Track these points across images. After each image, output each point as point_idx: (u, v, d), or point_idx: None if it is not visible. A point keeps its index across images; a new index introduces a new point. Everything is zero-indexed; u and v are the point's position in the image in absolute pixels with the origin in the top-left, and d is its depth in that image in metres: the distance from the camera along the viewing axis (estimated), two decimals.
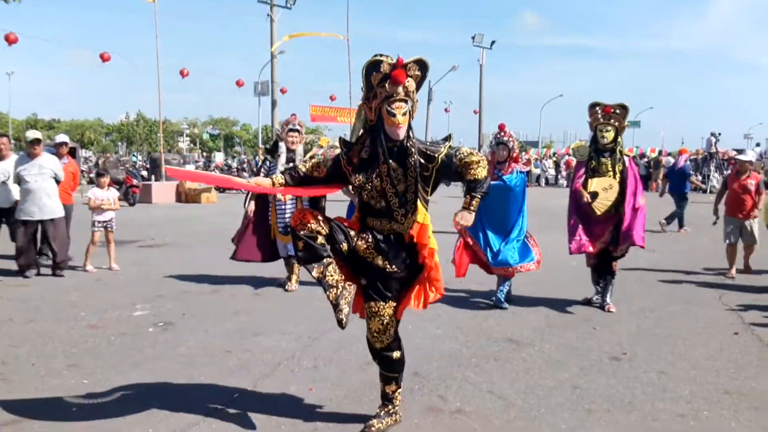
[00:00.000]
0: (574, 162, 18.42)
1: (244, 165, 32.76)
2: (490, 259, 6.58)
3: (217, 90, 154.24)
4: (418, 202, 3.57)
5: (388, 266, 3.62)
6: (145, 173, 25.68)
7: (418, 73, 3.49)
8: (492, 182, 6.64)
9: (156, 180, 22.60)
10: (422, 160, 3.51)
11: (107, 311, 6.38)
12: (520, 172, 6.65)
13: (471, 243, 6.63)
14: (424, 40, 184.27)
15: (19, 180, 7.99)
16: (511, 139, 6.75)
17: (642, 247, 6.69)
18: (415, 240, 3.63)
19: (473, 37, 41.65)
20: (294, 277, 7.48)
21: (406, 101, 3.45)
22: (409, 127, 3.51)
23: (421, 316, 6.28)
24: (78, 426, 3.69)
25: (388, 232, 3.60)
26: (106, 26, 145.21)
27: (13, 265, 8.31)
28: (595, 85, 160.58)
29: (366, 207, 3.61)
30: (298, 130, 7.53)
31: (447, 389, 4.37)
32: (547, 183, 36.91)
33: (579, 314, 6.56)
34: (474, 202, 3.73)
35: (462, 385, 4.47)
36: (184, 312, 6.36)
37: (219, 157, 56.54)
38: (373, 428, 3.68)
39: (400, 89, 3.41)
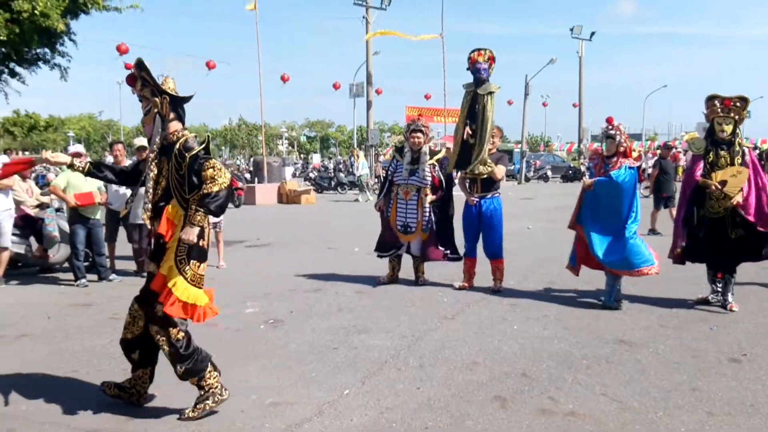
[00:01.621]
0: (681, 155, 17.36)
1: (340, 166, 33.30)
2: (600, 257, 6.37)
3: (313, 93, 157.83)
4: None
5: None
6: (248, 176, 26.62)
7: (143, 74, 3.79)
8: (599, 179, 6.50)
9: (259, 182, 23.39)
10: (179, 158, 3.74)
11: (220, 309, 6.63)
12: (630, 167, 6.39)
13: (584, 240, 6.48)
14: (520, 33, 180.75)
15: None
16: (619, 132, 6.50)
17: None
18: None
19: (572, 29, 40.52)
20: (421, 274, 7.68)
21: (146, 102, 3.81)
22: (163, 122, 3.80)
23: (526, 315, 6.19)
24: (199, 421, 3.86)
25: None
26: (210, 35, 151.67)
27: (131, 266, 8.84)
28: (700, 73, 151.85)
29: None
30: (421, 131, 7.57)
31: (558, 391, 4.26)
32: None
33: (693, 314, 6.24)
34: (197, 216, 3.72)
35: (573, 387, 4.34)
36: (292, 310, 6.54)
37: (316, 159, 57.91)
38: (185, 416, 3.86)
39: (136, 93, 3.84)
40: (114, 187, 8.60)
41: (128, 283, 8.15)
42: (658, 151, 38.22)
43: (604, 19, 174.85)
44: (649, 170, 35.42)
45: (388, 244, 7.77)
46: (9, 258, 8.08)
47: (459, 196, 7.48)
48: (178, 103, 3.88)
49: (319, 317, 6.24)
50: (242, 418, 3.86)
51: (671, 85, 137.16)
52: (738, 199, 6.19)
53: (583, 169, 33.68)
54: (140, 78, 3.80)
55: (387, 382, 4.46)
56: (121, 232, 9.00)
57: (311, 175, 32.58)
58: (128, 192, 8.51)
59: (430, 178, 7.49)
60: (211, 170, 3.68)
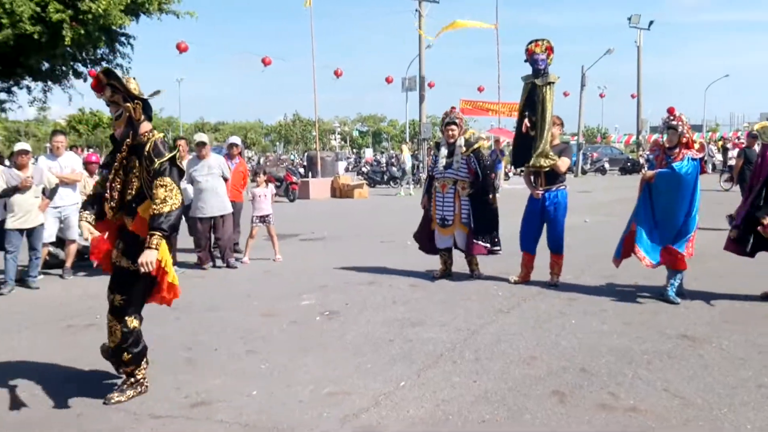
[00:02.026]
0: (745, 144, 16.68)
1: (393, 160, 33.33)
2: (645, 253, 6.23)
3: (366, 88, 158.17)
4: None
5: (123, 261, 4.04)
6: (302, 170, 26.95)
7: (112, 81, 3.95)
8: (660, 170, 6.32)
9: (313, 177, 23.65)
10: (148, 161, 3.88)
11: (277, 301, 6.78)
12: (693, 159, 6.20)
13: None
14: (575, 23, 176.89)
15: (191, 180, 8.71)
16: (681, 123, 6.30)
17: None
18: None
19: (629, 18, 39.36)
20: (475, 267, 7.66)
21: (115, 106, 3.97)
22: (132, 127, 3.95)
23: (584, 309, 6.09)
24: (257, 408, 3.96)
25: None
26: (265, 32, 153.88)
27: (192, 258, 9.08)
28: (764, 62, 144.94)
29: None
30: (455, 123, 7.54)
31: (618, 386, 4.18)
32: (714, 169, 34.15)
33: (758, 309, 6.02)
34: (154, 240, 3.79)
35: (634, 382, 4.25)
36: (347, 302, 6.61)
37: (368, 153, 58.11)
38: (112, 400, 4.03)
39: (104, 99, 3.98)
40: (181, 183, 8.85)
41: (190, 275, 8.38)
42: (720, 143, 36.97)
43: (663, 8, 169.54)
44: (715, 161, 34.43)
45: (425, 241, 7.82)
46: (77, 250, 8.42)
47: (512, 189, 7.40)
48: (148, 105, 4.07)
49: (374, 310, 6.28)
50: (300, 408, 3.93)
51: (733, 74, 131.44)
52: None
53: (642, 161, 32.80)
54: (109, 86, 3.96)
55: (443, 374, 4.46)
56: (183, 226, 9.24)
57: (363, 169, 32.74)
58: (190, 187, 8.76)
59: (466, 170, 7.43)
60: (162, 189, 3.82)
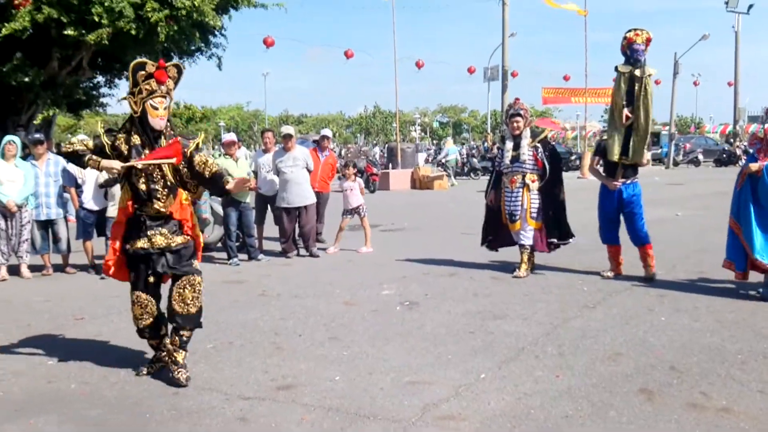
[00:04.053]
0: None
1: (474, 151, 33.00)
2: (757, 249, 5.88)
3: (447, 79, 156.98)
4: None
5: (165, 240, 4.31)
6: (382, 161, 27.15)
7: (175, 75, 4.28)
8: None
9: (393, 168, 23.77)
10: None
11: (359, 290, 6.89)
12: None
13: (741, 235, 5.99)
14: (669, 8, 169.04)
15: (277, 171, 8.96)
16: None
17: None
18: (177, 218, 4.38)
19: (727, 2, 37.28)
20: (524, 265, 7.33)
21: (165, 97, 4.22)
22: (169, 120, 4.32)
23: (674, 306, 5.87)
24: (340, 393, 4.04)
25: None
26: (347, 24, 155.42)
27: (277, 247, 9.35)
28: None
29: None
30: (520, 114, 7.37)
31: (710, 386, 4.01)
32: None
33: None
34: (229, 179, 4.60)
35: (727, 382, 4.07)
36: (427, 293, 6.63)
37: (449, 144, 57.64)
38: (182, 376, 4.23)
39: (163, 87, 4.18)
40: (263, 173, 9.14)
41: (275, 263, 8.65)
42: None
43: None
44: None
45: (490, 237, 7.73)
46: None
47: (596, 181, 7.19)
48: None
49: (455, 301, 6.28)
50: (382, 395, 3.98)
51: None
52: None
53: (739, 152, 31.08)
54: (175, 81, 4.30)
55: (525, 368, 4.41)
56: (269, 216, 9.53)
57: (444, 160, 32.59)
58: (276, 178, 9.03)
59: (533, 162, 7.25)
60: (207, 157, 4.49)
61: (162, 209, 4.29)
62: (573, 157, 31.06)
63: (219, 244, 9.38)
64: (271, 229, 9.63)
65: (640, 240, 7.00)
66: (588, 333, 5.13)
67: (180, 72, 4.34)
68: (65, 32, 13.60)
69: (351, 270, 8.10)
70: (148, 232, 4.27)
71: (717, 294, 6.28)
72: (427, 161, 30.22)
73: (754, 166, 5.98)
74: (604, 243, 7.23)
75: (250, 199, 8.96)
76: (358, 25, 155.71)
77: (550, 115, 61.89)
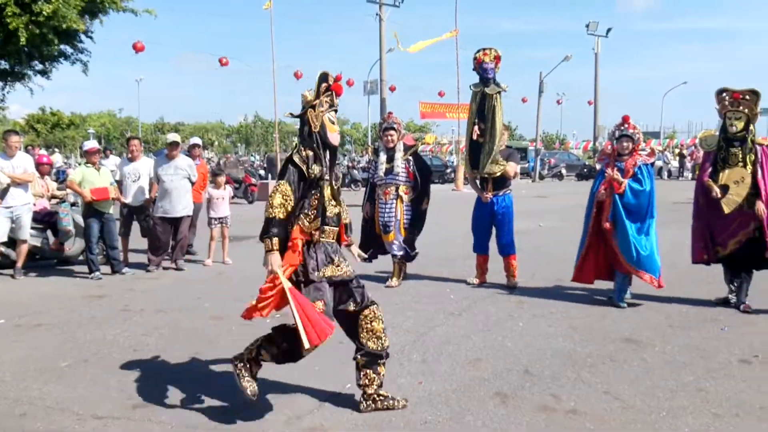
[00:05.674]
0: (701, 153, 17.32)
1: (354, 163, 33.31)
2: (628, 259, 6.32)
3: None
4: None
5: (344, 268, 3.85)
6: (262, 172, 26.73)
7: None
8: (630, 182, 6.36)
9: (272, 178, 23.47)
10: None
11: (228, 303, 6.69)
12: (645, 164, 6.38)
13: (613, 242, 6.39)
14: (533, 30, 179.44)
15: (157, 179, 8.63)
16: (636, 131, 6.47)
17: None
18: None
19: (587, 25, 40.14)
20: (396, 275, 7.52)
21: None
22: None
23: (532, 312, 6.18)
24: (200, 409, 3.91)
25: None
26: (226, 32, 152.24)
27: (143, 259, 8.93)
28: (724, 70, 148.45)
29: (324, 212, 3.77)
30: (393, 128, 7.53)
31: (560, 388, 4.25)
32: (669, 176, 35.06)
33: (705, 314, 6.17)
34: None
35: (576, 384, 4.33)
36: None
37: None
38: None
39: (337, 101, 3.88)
40: (129, 182, 8.73)
41: (140, 276, 8.26)
42: (677, 150, 37.81)
43: (622, 16, 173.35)
44: (671, 167, 35.21)
45: (367, 248, 7.69)
46: (28, 250, 8.24)
47: (470, 193, 7.46)
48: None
49: None
50: (245, 409, 3.90)
51: (693, 82, 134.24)
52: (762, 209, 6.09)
53: (598, 167, 33.40)
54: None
55: (389, 376, 4.43)
56: (135, 227, 9.09)
57: None
58: (147, 187, 8.67)
59: (406, 175, 7.43)
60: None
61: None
62: (448, 170, 32.08)
63: (81, 257, 8.84)
64: (137, 241, 9.20)
65: (507, 251, 7.34)
66: (452, 339, 5.29)
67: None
68: None
69: (221, 283, 7.89)
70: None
71: (572, 300, 6.69)
72: None
73: (621, 179, 6.32)
74: (476, 252, 7.52)
75: (113, 210, 8.53)
76: (237, 32, 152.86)
77: (428, 130, 63.71)
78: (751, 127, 6.22)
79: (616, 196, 6.31)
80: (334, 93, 3.85)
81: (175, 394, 4.16)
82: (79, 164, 9.94)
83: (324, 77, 3.82)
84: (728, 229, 6.27)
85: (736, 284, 6.41)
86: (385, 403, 3.85)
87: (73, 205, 8.99)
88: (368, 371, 3.88)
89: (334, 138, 3.83)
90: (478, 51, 7.26)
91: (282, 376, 4.46)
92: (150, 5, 17.11)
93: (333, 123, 3.82)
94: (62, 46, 17.01)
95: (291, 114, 3.99)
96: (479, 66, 7.22)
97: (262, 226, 3.68)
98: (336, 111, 3.88)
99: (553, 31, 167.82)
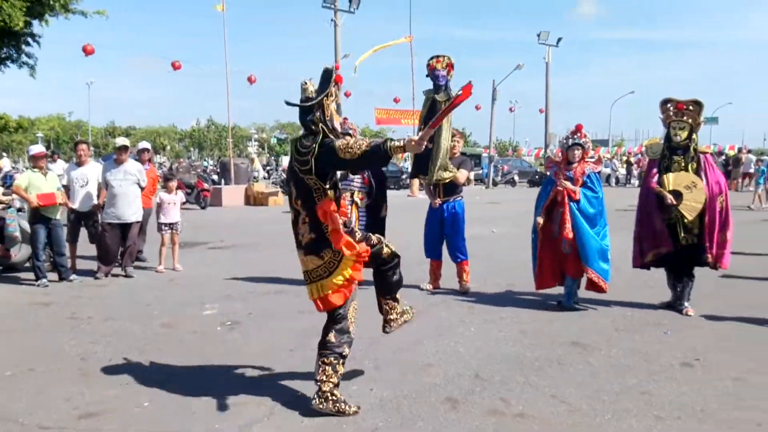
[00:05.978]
0: (647, 160, 17.70)
1: None
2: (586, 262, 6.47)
3: (284, 95, 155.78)
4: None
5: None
6: (215, 177, 26.40)
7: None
8: (583, 190, 6.50)
9: (226, 184, 23.21)
10: None
11: (179, 310, 6.62)
12: (593, 171, 6.56)
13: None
14: (486, 38, 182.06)
15: (105, 184, 8.44)
16: (586, 140, 6.66)
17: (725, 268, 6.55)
18: None
19: (539, 35, 40.90)
20: None
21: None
22: None
23: (483, 317, 6.27)
24: (148, 419, 3.86)
25: None
26: (178, 34, 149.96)
27: (92, 266, 8.73)
28: (669, 79, 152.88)
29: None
30: (349, 134, 7.51)
31: (509, 392, 4.33)
32: (617, 183, 35.97)
33: (649, 318, 6.35)
34: None
35: (525, 388, 4.41)
36: (251, 311, 6.53)
37: (285, 161, 57.56)
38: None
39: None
40: (76, 187, 8.53)
41: (88, 284, 8.07)
42: (624, 158, 38.76)
43: (573, 26, 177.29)
44: (618, 175, 36.08)
45: None
46: None
47: (425, 199, 7.53)
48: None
49: (280, 319, 6.24)
50: (193, 419, 3.86)
51: (640, 91, 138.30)
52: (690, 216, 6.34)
53: (549, 173, 34.01)
54: None
55: (342, 383, 4.45)
56: (83, 234, 8.89)
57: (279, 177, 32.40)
58: (95, 192, 8.49)
59: (361, 180, 7.46)
60: None
61: None
62: (403, 176, 32.23)
63: (28, 264, 8.60)
64: (85, 247, 8.99)
65: (458, 256, 7.43)
66: (404, 346, 5.32)
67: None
68: None
69: (172, 290, 7.77)
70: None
71: (522, 305, 6.81)
72: (256, 179, 29.80)
73: (573, 187, 6.47)
74: (428, 257, 7.60)
75: (60, 216, 8.31)
76: (191, 36, 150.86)
77: (384, 136, 63.88)
78: (694, 136, 6.45)
79: (572, 205, 6.47)
80: (338, 85, 4.10)
81: (122, 404, 4.09)
82: (27, 169, 9.66)
83: (331, 71, 4.11)
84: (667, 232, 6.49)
85: (678, 288, 6.62)
86: (338, 405, 3.88)
87: (19, 210, 8.74)
88: (327, 368, 3.93)
89: (337, 124, 4.14)
90: (432, 58, 7.35)
91: (234, 385, 4.44)
92: (102, 7, 16.66)
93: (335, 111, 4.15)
94: (8, 50, 16.58)
95: (288, 102, 4.11)
96: (432, 72, 7.32)
97: (371, 150, 3.71)
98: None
99: (507, 40, 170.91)
